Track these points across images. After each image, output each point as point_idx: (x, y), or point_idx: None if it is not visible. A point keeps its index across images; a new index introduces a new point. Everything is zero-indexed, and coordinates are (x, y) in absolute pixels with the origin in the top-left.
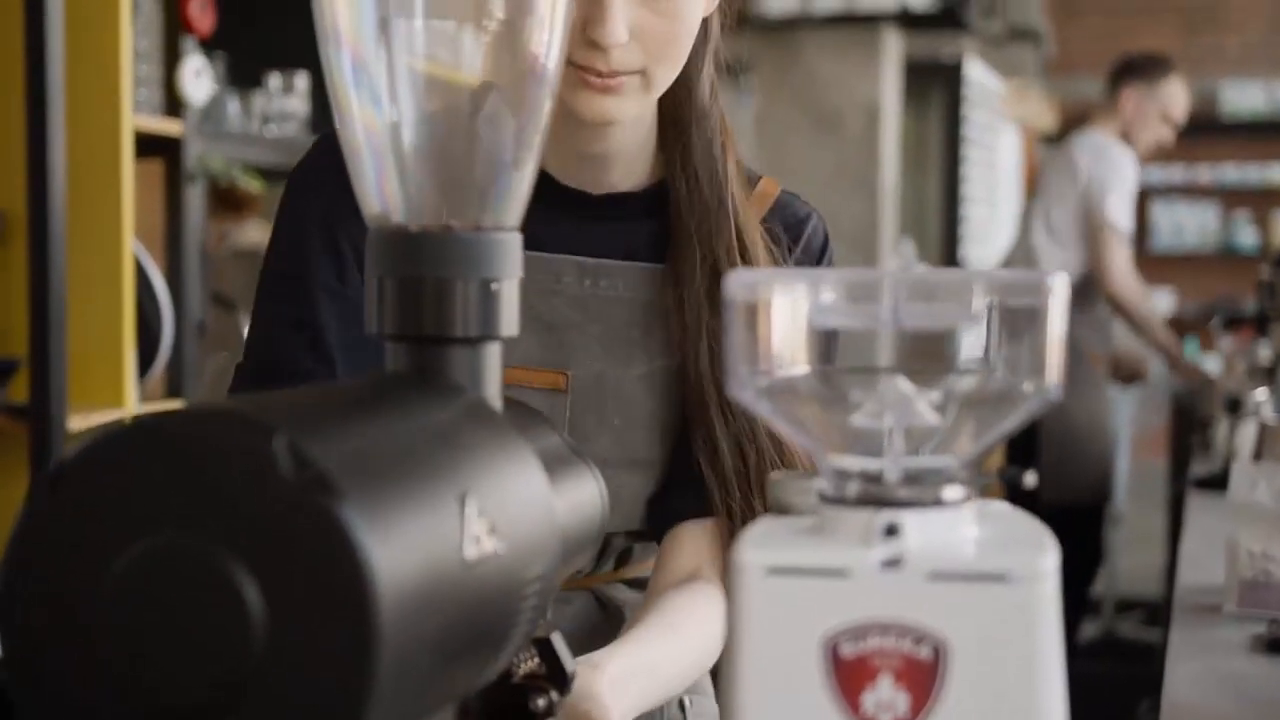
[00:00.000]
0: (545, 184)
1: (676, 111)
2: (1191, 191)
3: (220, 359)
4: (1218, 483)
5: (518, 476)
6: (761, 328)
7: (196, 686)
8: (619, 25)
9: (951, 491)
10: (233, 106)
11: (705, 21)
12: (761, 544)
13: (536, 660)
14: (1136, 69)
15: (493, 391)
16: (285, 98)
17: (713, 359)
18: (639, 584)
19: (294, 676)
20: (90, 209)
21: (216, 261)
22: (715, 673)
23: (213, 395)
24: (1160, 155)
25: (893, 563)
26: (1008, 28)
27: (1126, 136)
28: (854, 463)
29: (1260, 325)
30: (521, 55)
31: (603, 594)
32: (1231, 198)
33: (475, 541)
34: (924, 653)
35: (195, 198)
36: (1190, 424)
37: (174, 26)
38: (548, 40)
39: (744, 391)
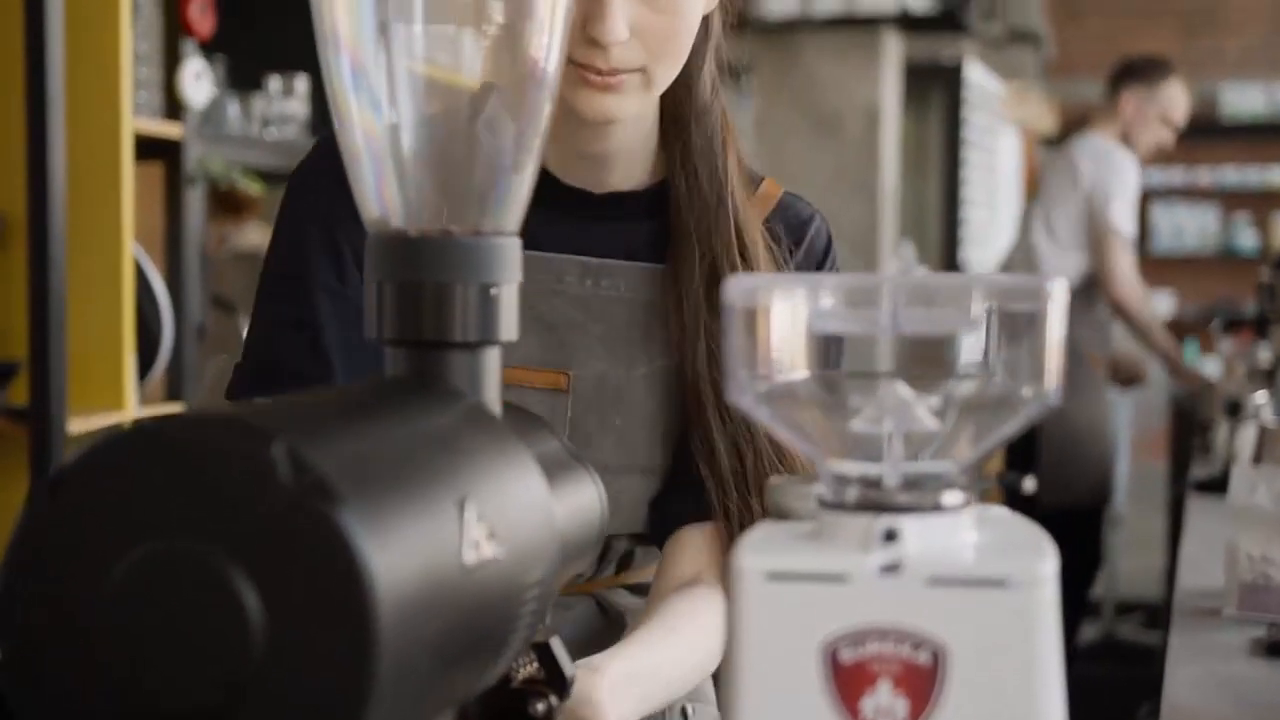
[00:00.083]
0: (547, 183)
1: (677, 109)
2: (1191, 193)
3: (220, 361)
4: (1218, 486)
5: (517, 481)
6: (761, 333)
7: (196, 691)
8: (619, 23)
9: (950, 497)
10: (233, 109)
11: (706, 19)
12: (761, 549)
13: (535, 665)
14: (1136, 72)
15: (492, 396)
16: (285, 100)
17: (710, 359)
18: (641, 589)
19: (293, 681)
20: (90, 211)
21: (216, 264)
22: (717, 678)
23: (213, 398)
24: (1160, 157)
25: (892, 568)
26: (1007, 30)
27: (1126, 139)
28: (853, 468)
29: (1260, 328)
30: (521, 59)
31: (604, 599)
32: (1231, 200)
33: (474, 547)
34: (923, 658)
35: (195, 200)
36: (1190, 427)
37: (174, 29)
38: (547, 43)
39: (743, 397)
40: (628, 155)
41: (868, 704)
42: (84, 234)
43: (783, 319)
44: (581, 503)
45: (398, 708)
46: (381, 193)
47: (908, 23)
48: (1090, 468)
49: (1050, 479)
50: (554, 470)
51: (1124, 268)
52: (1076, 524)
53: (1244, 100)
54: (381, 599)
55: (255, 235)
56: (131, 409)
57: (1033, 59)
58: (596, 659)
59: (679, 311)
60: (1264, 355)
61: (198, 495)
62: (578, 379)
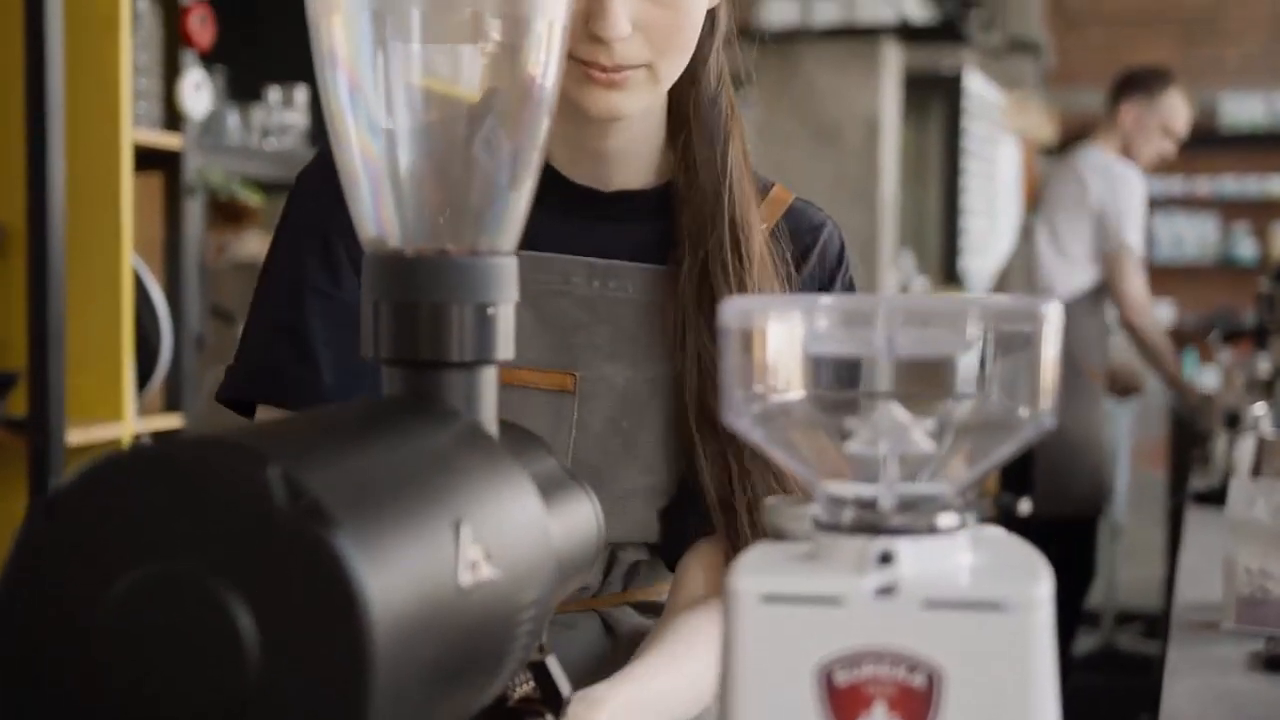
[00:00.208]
0: (554, 181)
1: (682, 104)
2: (1191, 203)
3: (219, 372)
4: (1216, 497)
5: (513, 502)
6: (756, 354)
7: (192, 713)
8: (620, 19)
9: (946, 519)
10: (232, 120)
11: (712, 12)
12: (756, 571)
13: (532, 684)
14: (1136, 82)
15: (488, 415)
16: (285, 111)
17: (699, 366)
18: (647, 608)
19: (289, 704)
20: (89, 222)
21: (215, 274)
22: None
23: (212, 408)
24: (1160, 167)
25: (887, 590)
26: (1007, 39)
27: (1127, 150)
28: (849, 489)
29: (1259, 338)
30: (519, 76)
31: (610, 617)
32: (1231, 209)
33: (470, 568)
34: (918, 681)
35: (194, 211)
36: (1189, 437)
37: (174, 40)
38: (544, 60)
39: (739, 418)
40: (635, 152)
41: None
42: (83, 244)
43: (778, 341)
44: (578, 521)
45: None
46: (379, 212)
47: (907, 33)
48: (1085, 479)
49: (1045, 490)
50: (550, 489)
51: (1137, 288)
52: (1071, 535)
53: (1243, 110)
54: (377, 622)
55: (255, 245)
56: (130, 420)
57: (1032, 68)
58: (598, 690)
59: (671, 313)
60: (1263, 366)
61: (193, 518)
62: (584, 380)
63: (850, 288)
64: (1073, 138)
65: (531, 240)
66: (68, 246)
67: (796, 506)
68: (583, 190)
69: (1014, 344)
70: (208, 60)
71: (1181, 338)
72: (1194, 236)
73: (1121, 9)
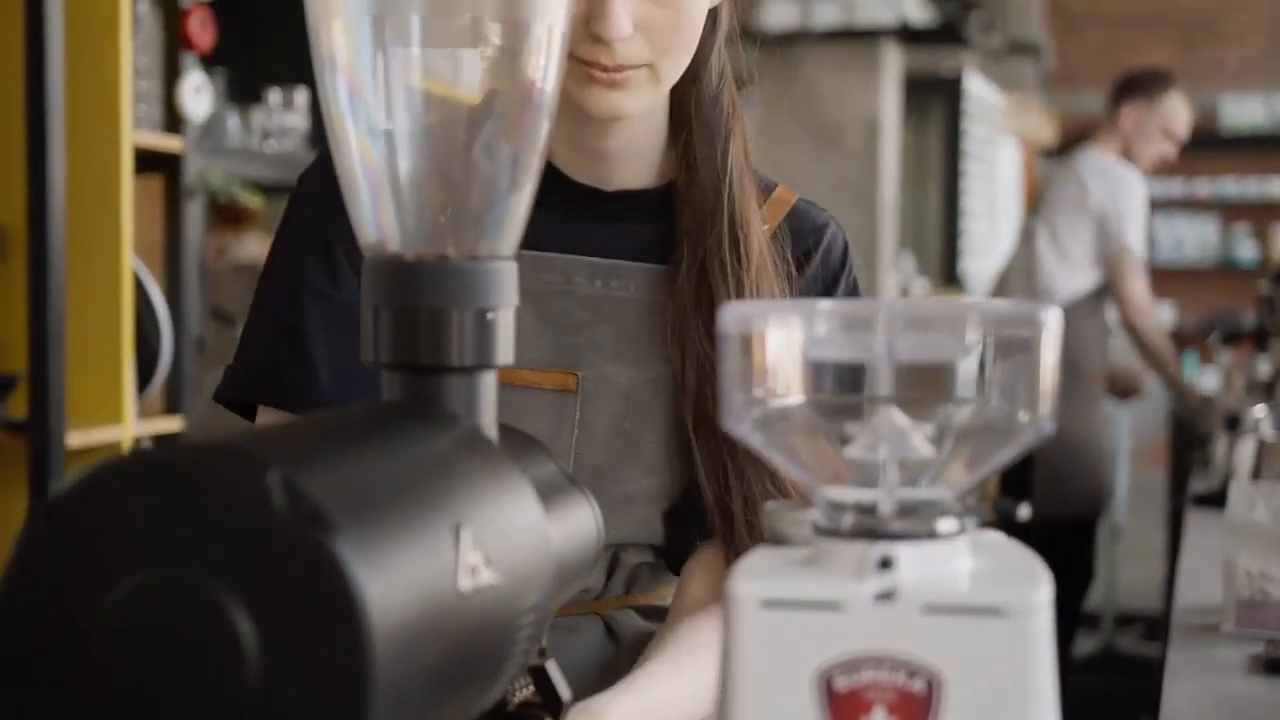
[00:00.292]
0: (557, 180)
1: (683, 102)
2: (1191, 205)
3: (220, 373)
4: (1216, 500)
5: (512, 506)
6: (755, 360)
7: (192, 719)
8: (621, 19)
9: (945, 524)
10: (232, 122)
11: (714, 10)
12: (755, 576)
13: (531, 688)
14: (1136, 85)
15: (488, 420)
16: (285, 113)
17: (698, 364)
18: (650, 613)
19: (288, 710)
20: (90, 225)
21: (216, 276)
22: None
23: (212, 410)
24: (1160, 169)
25: (886, 596)
26: (1007, 41)
27: (1128, 153)
28: (848, 494)
29: (1259, 340)
30: (519, 81)
31: (612, 621)
32: (1231, 211)
33: (470, 573)
34: (918, 686)
35: (195, 213)
36: (1189, 439)
37: (174, 43)
38: (544, 65)
39: (738, 424)
40: (637, 152)
41: None
42: (83, 247)
43: (778, 346)
44: (577, 526)
45: None
46: (378, 217)
47: (907, 35)
48: (1084, 481)
49: (1044, 492)
50: (549, 493)
51: (1139, 291)
52: (1070, 537)
53: (1243, 112)
54: (376, 627)
55: (255, 247)
56: (130, 422)
57: (1032, 70)
58: (599, 701)
59: (669, 313)
60: (1263, 368)
61: (194, 523)
62: (586, 380)
63: (854, 289)
64: (1073, 140)
65: (534, 240)
66: (68, 249)
67: (796, 511)
68: (585, 190)
69: (1013, 349)
70: (208, 62)
71: (1182, 339)
72: (1194, 238)
73: (1122, 11)
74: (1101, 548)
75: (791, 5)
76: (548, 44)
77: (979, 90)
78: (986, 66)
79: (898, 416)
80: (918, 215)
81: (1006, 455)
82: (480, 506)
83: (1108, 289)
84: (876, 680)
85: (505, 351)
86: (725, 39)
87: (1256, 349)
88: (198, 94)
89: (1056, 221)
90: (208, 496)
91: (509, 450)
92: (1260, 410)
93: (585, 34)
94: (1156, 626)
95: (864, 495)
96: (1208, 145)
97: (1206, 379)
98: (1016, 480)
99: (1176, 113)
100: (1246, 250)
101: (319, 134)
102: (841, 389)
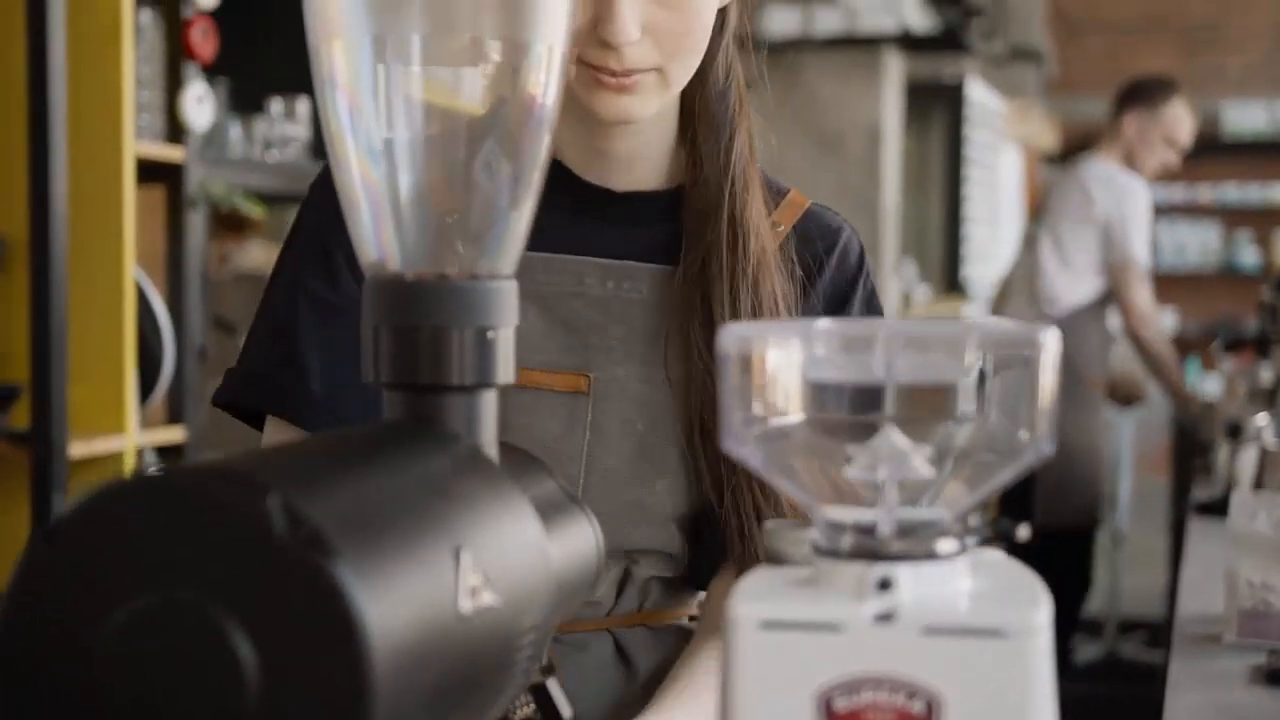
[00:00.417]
0: (568, 181)
1: (690, 100)
2: (1193, 211)
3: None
4: (1218, 508)
5: (513, 527)
6: (755, 380)
7: None
8: (629, 24)
9: (945, 544)
10: (234, 132)
11: (723, 11)
12: (755, 597)
13: (532, 706)
14: (1139, 93)
15: (488, 439)
16: (287, 123)
17: (699, 367)
18: (664, 632)
19: None
20: (92, 235)
21: (218, 285)
22: None
23: (214, 419)
24: (1162, 175)
25: (886, 617)
26: (1009, 48)
27: (1130, 161)
28: (847, 514)
29: (1261, 347)
30: (519, 100)
31: (623, 639)
32: (1233, 217)
33: (470, 595)
34: (917, 707)
35: (196, 223)
36: (1191, 446)
37: (176, 53)
38: (544, 83)
39: (738, 444)
40: (649, 154)
41: None
42: (85, 257)
43: (777, 366)
44: (577, 544)
45: None
46: (379, 236)
47: (909, 42)
48: (1083, 489)
49: (1043, 500)
50: (549, 512)
51: (1143, 301)
52: (1069, 545)
53: (1245, 118)
54: (376, 651)
55: (257, 255)
56: (133, 432)
57: (1034, 76)
58: None
59: (670, 313)
60: (1265, 375)
61: (194, 547)
62: (598, 381)
63: (872, 296)
64: (1074, 146)
65: (545, 241)
66: (70, 259)
67: (795, 530)
68: (596, 191)
69: (1013, 370)
70: (210, 72)
71: (1184, 346)
72: (1196, 244)
73: (1123, 17)
74: (1104, 554)
75: (793, 13)
76: (548, 62)
77: (980, 96)
78: (988, 73)
79: (897, 437)
80: (919, 222)
81: (1006, 476)
82: (480, 527)
83: (1110, 297)
84: (876, 701)
85: (506, 370)
86: (734, 37)
87: (1259, 356)
88: (200, 104)
89: (1060, 229)
90: (208, 520)
91: (509, 469)
92: (1262, 419)
93: (593, 39)
94: (1159, 633)
95: (863, 515)
96: (1210, 151)
97: (1209, 385)
98: (1017, 500)
99: (1179, 121)
100: (1249, 256)
101: (321, 144)
102: (841, 409)
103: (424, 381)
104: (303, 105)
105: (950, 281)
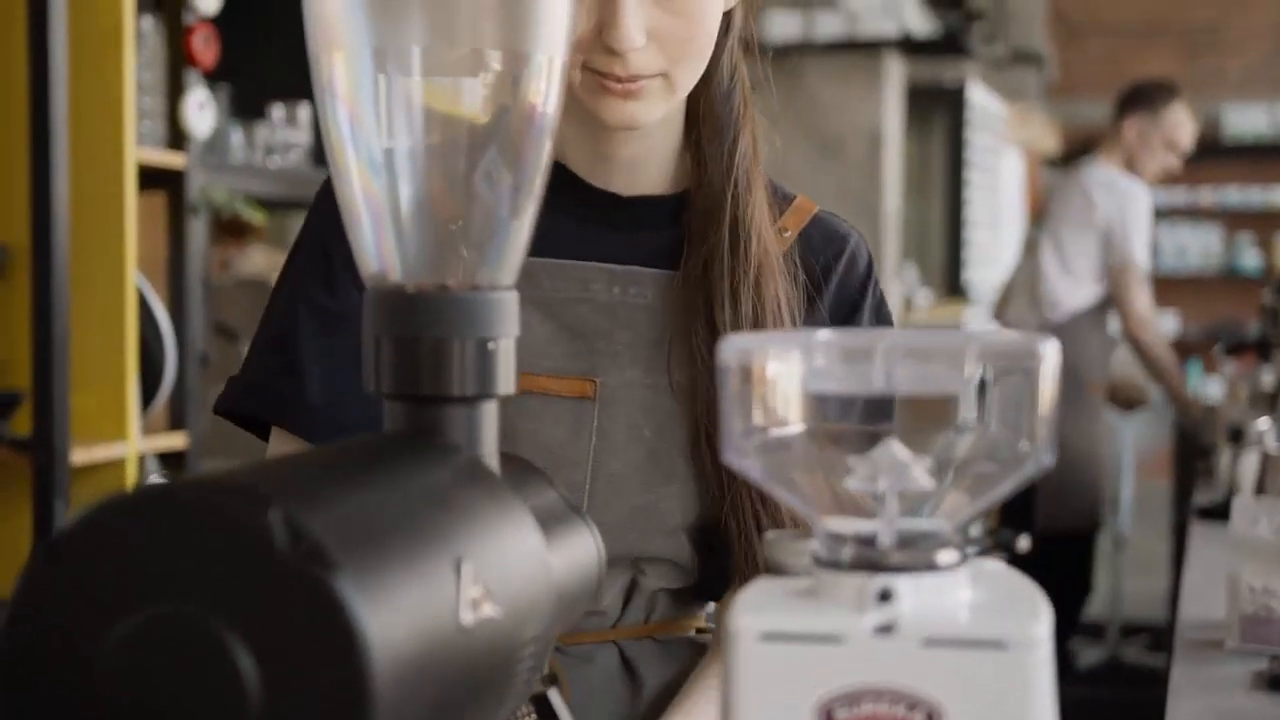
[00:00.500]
0: (574, 186)
1: (695, 102)
2: (1194, 213)
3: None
4: (1220, 512)
5: (513, 538)
6: (755, 392)
7: None
8: (633, 30)
9: (945, 555)
10: (236, 138)
11: (728, 14)
12: (755, 609)
13: (533, 716)
14: (1140, 97)
15: (489, 450)
16: (288, 129)
17: (701, 372)
18: (671, 645)
19: None
20: (93, 242)
21: (219, 291)
22: None
23: (215, 426)
24: (1164, 177)
25: (886, 629)
26: (1009, 51)
27: (1131, 165)
28: (848, 525)
29: (1263, 351)
30: (519, 110)
31: (629, 652)
32: (1234, 220)
33: (471, 607)
34: (918, 719)
35: (198, 230)
36: (1193, 450)
37: (178, 59)
38: (545, 93)
39: (738, 456)
40: (656, 158)
41: None
42: (87, 264)
43: (777, 378)
44: (578, 555)
45: None
46: (380, 247)
47: (910, 46)
48: (1084, 493)
49: (1043, 504)
50: (550, 523)
51: (1142, 304)
52: (1069, 548)
53: (1246, 120)
54: (377, 665)
55: (259, 260)
56: (134, 439)
57: (1035, 80)
58: None
59: (673, 317)
60: (1267, 379)
61: (196, 560)
62: (604, 387)
63: (881, 302)
64: (1075, 149)
65: (551, 247)
66: (71, 266)
67: (796, 541)
68: (602, 196)
69: (1012, 381)
70: (211, 78)
71: (1185, 349)
72: (1198, 247)
73: (1123, 20)
74: (1106, 558)
75: (794, 17)
76: (548, 72)
77: (981, 100)
78: (989, 76)
79: (897, 448)
80: (921, 226)
81: (1006, 487)
82: (481, 539)
83: (1111, 301)
84: (876, 713)
85: (507, 381)
86: (739, 39)
87: (1260, 359)
88: (201, 110)
89: (1061, 234)
90: (210, 533)
91: (510, 479)
92: (1264, 423)
93: (598, 45)
94: (1161, 637)
95: (864, 526)
96: (1211, 154)
97: (1211, 388)
98: (1018, 509)
99: (1179, 125)
100: (1250, 259)
101: (322, 150)
102: (841, 420)
103: (425, 392)
104: (304, 111)
105: (952, 285)
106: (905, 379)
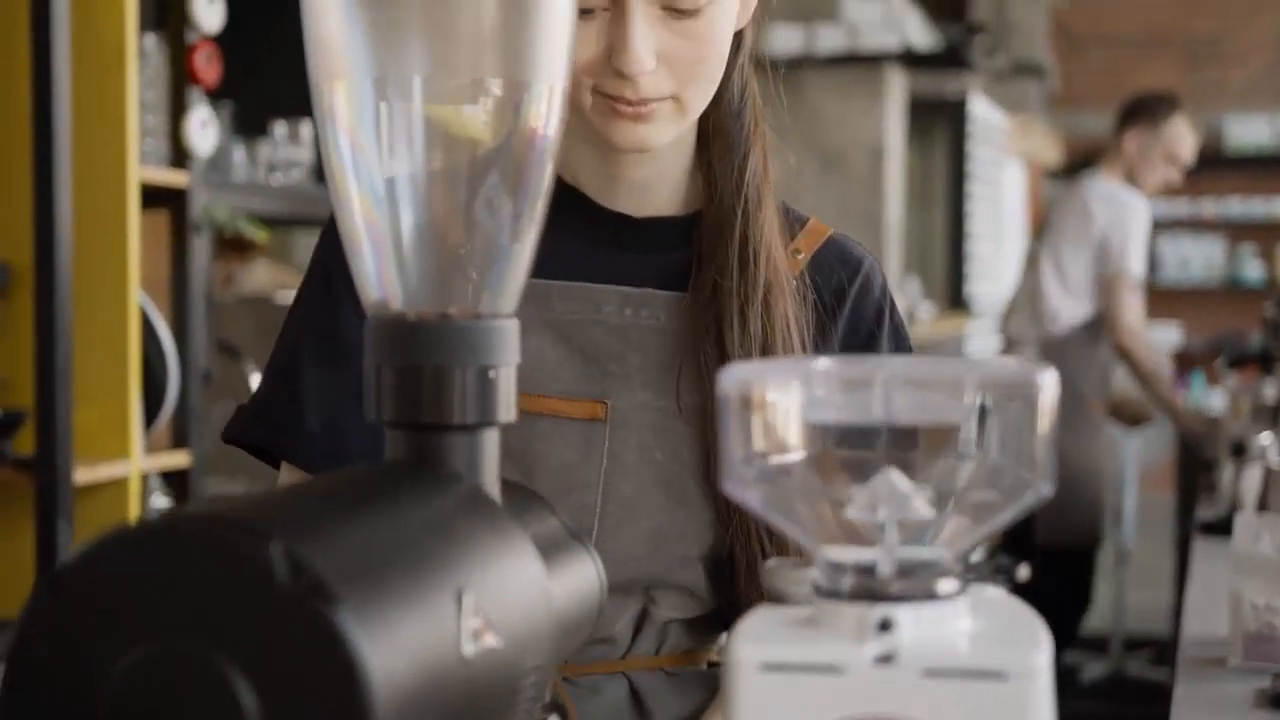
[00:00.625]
0: (586, 208)
1: (706, 125)
2: (1197, 225)
3: (226, 407)
4: (1223, 527)
5: (514, 567)
6: (755, 421)
7: None
8: (643, 54)
9: (945, 584)
10: (238, 155)
11: (739, 33)
12: (755, 639)
13: None
14: (1140, 110)
15: (490, 478)
16: (291, 146)
17: (712, 395)
18: (682, 678)
19: None
20: (96, 260)
21: (222, 308)
22: None
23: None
24: (1165, 190)
25: (886, 659)
26: (1011, 63)
27: (1132, 178)
28: (848, 555)
29: (1265, 364)
30: (520, 138)
31: (638, 683)
32: (1237, 231)
33: (473, 637)
34: None
35: (201, 248)
36: (1195, 463)
37: (180, 78)
38: (545, 121)
39: (738, 485)
40: (668, 180)
41: None
42: (90, 282)
43: (776, 407)
44: (579, 582)
45: None
46: (381, 276)
47: (911, 59)
48: (1084, 508)
49: (1043, 519)
50: (551, 550)
51: (1132, 313)
52: (1069, 563)
53: (1248, 132)
54: (379, 697)
55: (263, 275)
56: (138, 457)
57: (1036, 91)
58: None
59: (682, 339)
60: (1269, 392)
61: (198, 594)
62: (615, 409)
63: (899, 327)
64: (1077, 160)
65: (561, 268)
66: (74, 284)
67: (796, 570)
68: (614, 218)
69: (1012, 409)
70: (213, 96)
71: (1188, 360)
72: (1200, 258)
73: (1125, 32)
74: (1109, 571)
75: (795, 31)
76: (549, 99)
77: (983, 112)
78: (990, 88)
79: (897, 478)
80: (923, 238)
81: (1006, 516)
82: (482, 569)
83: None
84: None
85: (507, 409)
86: (749, 57)
87: (1263, 372)
88: (203, 128)
89: (1061, 250)
90: (211, 568)
91: (511, 507)
92: (1266, 438)
93: (609, 68)
94: (1165, 651)
95: (864, 555)
96: (1213, 165)
97: (1214, 400)
98: (1019, 527)
99: (1180, 137)
100: (1253, 270)
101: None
102: (840, 449)
103: (426, 421)
104: (306, 128)
105: (954, 298)
106: (905, 408)
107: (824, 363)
